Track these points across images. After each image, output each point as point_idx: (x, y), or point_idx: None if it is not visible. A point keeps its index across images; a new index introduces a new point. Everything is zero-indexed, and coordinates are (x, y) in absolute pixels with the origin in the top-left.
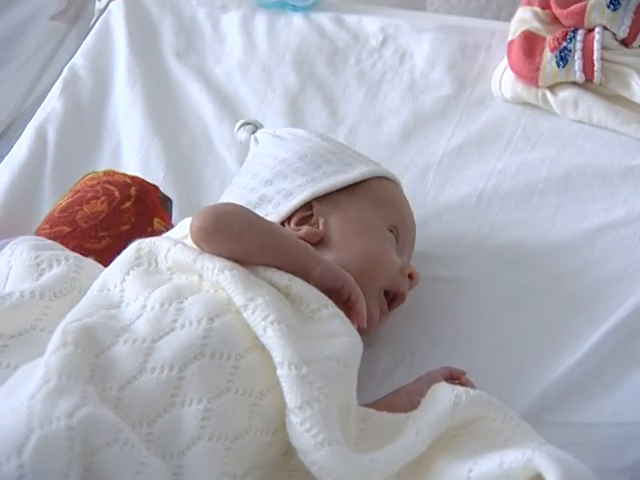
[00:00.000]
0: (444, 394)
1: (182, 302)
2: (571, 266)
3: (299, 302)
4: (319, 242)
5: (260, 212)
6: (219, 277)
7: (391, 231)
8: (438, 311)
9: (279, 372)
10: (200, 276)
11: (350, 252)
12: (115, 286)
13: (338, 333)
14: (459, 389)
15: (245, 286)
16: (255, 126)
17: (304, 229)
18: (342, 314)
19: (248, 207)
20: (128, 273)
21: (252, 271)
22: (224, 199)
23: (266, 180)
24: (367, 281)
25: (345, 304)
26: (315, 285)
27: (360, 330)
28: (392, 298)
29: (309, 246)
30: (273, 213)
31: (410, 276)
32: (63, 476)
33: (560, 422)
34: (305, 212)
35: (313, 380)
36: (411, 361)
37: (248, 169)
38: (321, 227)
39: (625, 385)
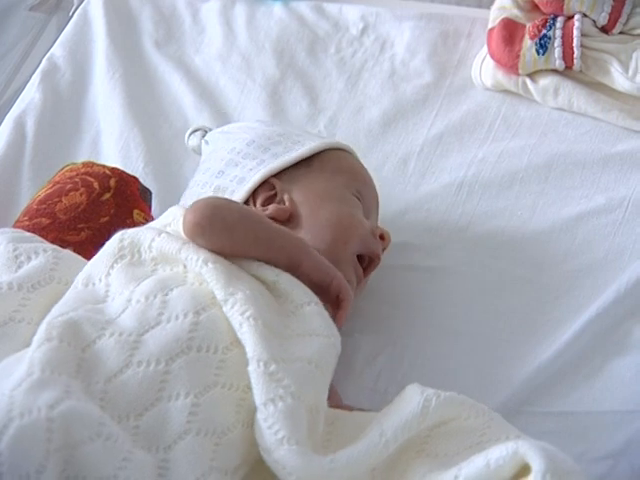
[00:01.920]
0: (413, 396)
1: (167, 294)
2: (552, 254)
3: (284, 297)
4: (289, 219)
5: None
6: (202, 269)
7: (356, 197)
8: (418, 300)
9: (249, 368)
10: (185, 267)
11: (320, 222)
12: (100, 280)
13: (317, 332)
14: (429, 391)
15: (226, 280)
16: (205, 131)
17: (271, 207)
18: (325, 313)
19: None
20: (112, 267)
21: (238, 264)
22: (182, 202)
23: (218, 171)
24: (340, 247)
25: (333, 302)
26: (304, 278)
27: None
28: (368, 263)
29: (301, 239)
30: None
31: (381, 237)
32: (40, 467)
33: (541, 411)
34: (268, 192)
35: (281, 378)
36: (392, 351)
37: (200, 168)
38: (287, 203)
39: (606, 373)
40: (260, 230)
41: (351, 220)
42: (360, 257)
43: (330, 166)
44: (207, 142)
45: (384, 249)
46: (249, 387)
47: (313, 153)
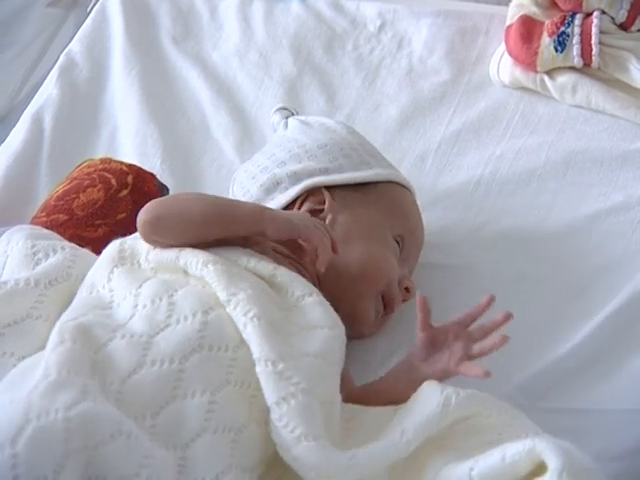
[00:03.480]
0: (433, 395)
1: (172, 296)
2: (569, 252)
3: (284, 291)
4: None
5: (268, 196)
6: (203, 272)
7: (396, 241)
8: (435, 298)
9: (257, 369)
10: (185, 272)
11: (352, 254)
12: (103, 287)
13: (321, 324)
14: (449, 390)
15: (228, 280)
16: (290, 112)
17: None
18: (326, 302)
19: (257, 185)
20: (112, 272)
21: (237, 263)
22: (239, 172)
23: (280, 161)
24: (366, 284)
25: (312, 252)
26: (275, 242)
27: (355, 334)
28: (385, 305)
29: (256, 207)
30: (279, 198)
31: (407, 289)
32: (58, 468)
33: (557, 408)
34: (317, 205)
35: (290, 376)
36: (407, 350)
37: (267, 149)
38: (327, 222)
39: (623, 371)
40: (211, 212)
41: (383, 262)
42: (383, 297)
43: (385, 203)
44: (286, 126)
45: (405, 301)
46: (260, 385)
47: (377, 180)
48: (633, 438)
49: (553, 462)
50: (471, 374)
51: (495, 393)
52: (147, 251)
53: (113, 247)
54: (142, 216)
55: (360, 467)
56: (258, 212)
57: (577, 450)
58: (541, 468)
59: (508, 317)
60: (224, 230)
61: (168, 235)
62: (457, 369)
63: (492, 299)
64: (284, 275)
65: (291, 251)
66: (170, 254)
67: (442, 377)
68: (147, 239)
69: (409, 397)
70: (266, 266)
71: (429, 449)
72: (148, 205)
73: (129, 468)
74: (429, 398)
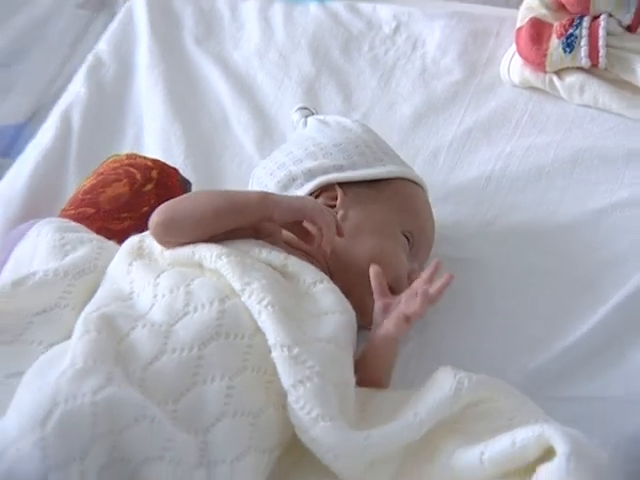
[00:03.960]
0: (446, 379)
1: (189, 285)
2: (577, 246)
3: (296, 279)
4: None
5: (284, 192)
6: (217, 264)
7: (406, 237)
8: (447, 290)
9: (273, 354)
10: (200, 266)
11: (362, 247)
12: (123, 279)
13: (332, 310)
14: (461, 374)
15: (242, 271)
16: (310, 111)
17: None
18: (336, 288)
19: (274, 182)
20: (131, 264)
21: (249, 254)
22: (258, 167)
23: (297, 159)
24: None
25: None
26: (282, 225)
27: (365, 324)
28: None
29: (261, 193)
30: (296, 192)
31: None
32: (85, 450)
33: (563, 396)
34: (330, 201)
35: (305, 360)
36: (420, 337)
37: (285, 147)
38: (339, 217)
39: (629, 361)
40: (219, 206)
41: (392, 259)
42: (390, 289)
43: (396, 200)
44: (305, 124)
45: None
46: (275, 371)
47: (390, 177)
48: (637, 425)
49: (561, 447)
50: (428, 296)
51: (505, 382)
52: (161, 250)
53: (132, 242)
54: (154, 218)
55: (375, 447)
56: (263, 198)
57: (583, 436)
58: (549, 453)
59: (450, 277)
60: (234, 220)
61: (181, 234)
62: (409, 307)
63: (439, 264)
64: (295, 264)
65: (300, 238)
66: (185, 250)
67: (398, 322)
68: (160, 241)
69: (375, 351)
70: (277, 256)
71: (442, 433)
72: (158, 209)
73: (152, 451)
74: (442, 382)
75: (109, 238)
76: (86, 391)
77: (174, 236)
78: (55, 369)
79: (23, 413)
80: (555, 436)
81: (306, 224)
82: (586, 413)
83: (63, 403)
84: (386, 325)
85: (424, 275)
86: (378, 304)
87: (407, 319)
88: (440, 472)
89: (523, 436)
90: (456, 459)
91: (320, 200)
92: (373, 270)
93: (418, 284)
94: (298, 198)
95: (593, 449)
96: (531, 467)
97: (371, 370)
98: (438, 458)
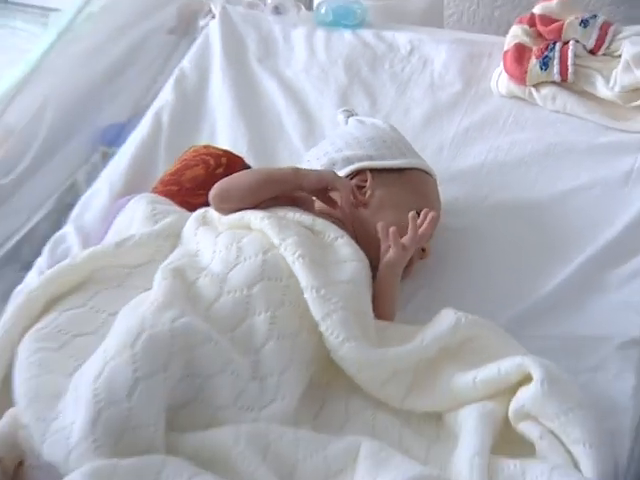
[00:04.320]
0: (448, 316)
1: (240, 242)
2: (549, 218)
3: (322, 235)
4: (360, 205)
5: None
6: (260, 225)
7: (418, 214)
8: (449, 252)
9: (305, 295)
10: (248, 227)
11: (383, 218)
12: (191, 240)
13: (350, 258)
14: (460, 313)
15: (279, 229)
16: (351, 113)
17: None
18: (353, 242)
19: (319, 164)
20: (197, 229)
21: (285, 217)
22: (308, 154)
23: (338, 148)
24: None
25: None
26: (311, 192)
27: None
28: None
29: (293, 167)
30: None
31: (423, 249)
32: (165, 364)
33: (541, 335)
34: (361, 182)
35: (330, 298)
36: (427, 290)
37: (330, 138)
38: (367, 196)
39: (589, 308)
40: (261, 178)
41: (406, 230)
42: None
43: (413, 184)
44: (346, 122)
45: (422, 259)
46: (307, 305)
47: (410, 167)
48: (596, 357)
49: (537, 374)
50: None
51: (494, 320)
52: (219, 217)
53: (198, 212)
54: (212, 192)
55: (390, 362)
56: (294, 171)
57: (554, 365)
58: (527, 379)
59: (434, 217)
60: (272, 189)
61: (232, 201)
62: (404, 239)
63: (428, 213)
64: (321, 224)
65: (327, 204)
66: (236, 215)
67: (396, 250)
68: (217, 209)
69: (380, 280)
70: (307, 218)
71: (444, 361)
72: (216, 184)
73: (216, 367)
74: (445, 318)
75: (189, 210)
76: (165, 320)
77: (227, 203)
78: (141, 306)
79: (118, 337)
80: (532, 365)
81: (332, 194)
82: (555, 348)
83: (149, 328)
84: (388, 255)
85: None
86: (384, 246)
87: (403, 247)
88: (442, 391)
89: (507, 365)
90: (454, 381)
91: (353, 181)
92: (380, 224)
93: (410, 224)
94: (321, 170)
95: (562, 374)
96: (513, 389)
97: (379, 297)
98: (440, 381)
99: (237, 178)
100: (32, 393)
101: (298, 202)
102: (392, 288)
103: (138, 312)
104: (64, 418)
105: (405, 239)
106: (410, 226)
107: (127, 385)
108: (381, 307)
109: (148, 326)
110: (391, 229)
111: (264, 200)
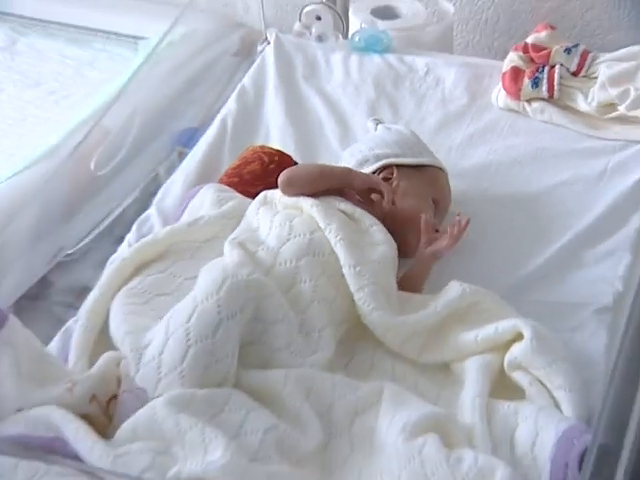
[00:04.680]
0: (455, 287)
1: (292, 222)
2: (539, 206)
3: (360, 222)
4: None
5: (360, 168)
6: (311, 210)
7: (433, 201)
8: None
9: (344, 270)
10: (301, 210)
11: (406, 205)
12: (253, 218)
13: (381, 242)
14: (465, 285)
15: (325, 215)
16: (380, 121)
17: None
18: (385, 230)
19: (354, 160)
20: (259, 209)
21: (331, 205)
22: (346, 152)
23: (370, 147)
24: (413, 224)
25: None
26: (360, 188)
27: (404, 255)
28: None
29: (347, 168)
30: (367, 169)
31: (436, 230)
32: (242, 307)
33: (531, 301)
34: (388, 175)
35: (364, 274)
36: (439, 264)
37: (363, 141)
38: (393, 186)
39: (569, 280)
40: (321, 172)
41: (423, 212)
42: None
43: (429, 178)
44: (376, 128)
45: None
46: (343, 278)
47: (427, 165)
48: (576, 320)
49: (527, 332)
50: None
51: (493, 290)
52: (279, 198)
53: (261, 195)
54: (281, 177)
55: (410, 325)
56: (349, 170)
57: (542, 326)
58: (519, 336)
59: (468, 221)
60: (328, 182)
61: (295, 187)
62: (439, 245)
63: (467, 220)
64: (360, 213)
65: (366, 201)
66: (292, 199)
67: (433, 254)
68: (283, 191)
69: (418, 266)
70: (349, 207)
71: (452, 323)
72: (284, 171)
73: (277, 316)
74: (452, 289)
75: (247, 197)
76: (243, 274)
77: (291, 187)
78: (220, 264)
79: (205, 286)
80: (523, 326)
81: (373, 196)
82: (542, 312)
83: (230, 278)
84: (426, 253)
85: (455, 227)
86: (424, 238)
87: (437, 252)
88: (450, 347)
89: (503, 325)
90: (460, 339)
91: (381, 175)
92: (423, 217)
93: (450, 228)
94: (368, 174)
95: (548, 333)
96: (507, 345)
97: (414, 279)
98: (449, 339)
99: (303, 168)
100: (127, 329)
101: (344, 194)
102: (429, 270)
103: (220, 267)
104: (153, 349)
105: (439, 246)
106: (456, 229)
107: (213, 324)
108: (416, 284)
109: (230, 275)
110: (449, 226)
111: (321, 190)
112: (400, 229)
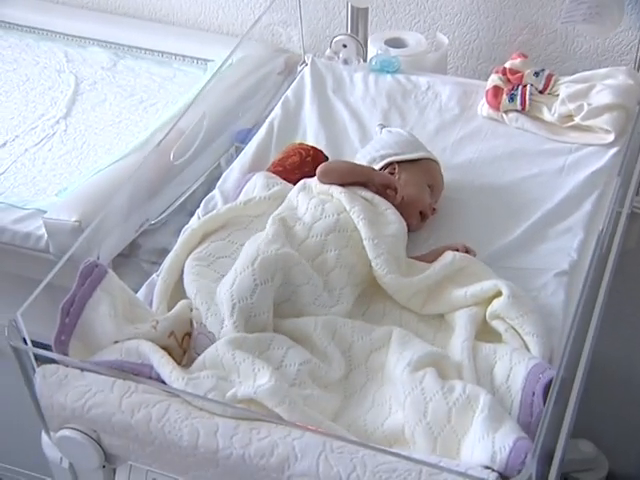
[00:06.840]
0: (448, 255)
1: (324, 204)
2: (513, 194)
3: (377, 206)
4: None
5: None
6: (340, 195)
7: (429, 186)
8: (449, 214)
9: (364, 242)
10: (331, 196)
11: (408, 192)
12: (294, 199)
13: (394, 221)
14: (456, 253)
15: (350, 199)
16: (384, 126)
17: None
18: (397, 212)
19: (365, 160)
20: (299, 193)
21: (356, 192)
22: (358, 153)
23: (376, 149)
24: (414, 206)
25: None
26: (378, 184)
27: (411, 226)
28: (422, 217)
29: (371, 168)
30: (376, 166)
31: (433, 209)
32: (273, 275)
33: (508, 267)
34: (392, 170)
35: (380, 245)
36: (435, 237)
37: (371, 143)
38: (396, 178)
39: (538, 248)
40: (351, 169)
41: (422, 198)
42: (420, 213)
43: (425, 168)
44: (381, 132)
45: (432, 214)
46: (363, 249)
47: (422, 158)
48: (542, 281)
49: (505, 291)
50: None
51: (477, 258)
52: (315, 185)
53: (300, 183)
54: (320, 168)
55: (415, 285)
56: (370, 169)
57: (516, 286)
58: (499, 293)
59: (474, 253)
60: (356, 177)
61: (330, 177)
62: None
63: (465, 248)
64: (377, 199)
65: (382, 195)
66: (325, 187)
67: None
68: (320, 179)
69: (435, 256)
70: (369, 194)
71: (447, 284)
72: (321, 165)
73: (303, 279)
74: (446, 257)
75: (289, 182)
76: (272, 249)
77: (327, 178)
78: (257, 240)
79: (243, 260)
80: (502, 285)
81: (388, 191)
82: (516, 275)
83: (262, 254)
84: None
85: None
86: (451, 245)
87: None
88: (445, 301)
89: (486, 284)
90: (453, 295)
91: (387, 170)
92: (462, 246)
93: (461, 248)
94: (385, 174)
95: (522, 292)
96: (490, 300)
97: (432, 256)
98: (444, 295)
99: (338, 164)
100: (196, 288)
101: (366, 187)
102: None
103: (254, 245)
104: (214, 305)
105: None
106: (470, 253)
107: (250, 289)
108: (428, 259)
109: (261, 252)
110: (454, 247)
111: (349, 182)
112: (404, 211)
